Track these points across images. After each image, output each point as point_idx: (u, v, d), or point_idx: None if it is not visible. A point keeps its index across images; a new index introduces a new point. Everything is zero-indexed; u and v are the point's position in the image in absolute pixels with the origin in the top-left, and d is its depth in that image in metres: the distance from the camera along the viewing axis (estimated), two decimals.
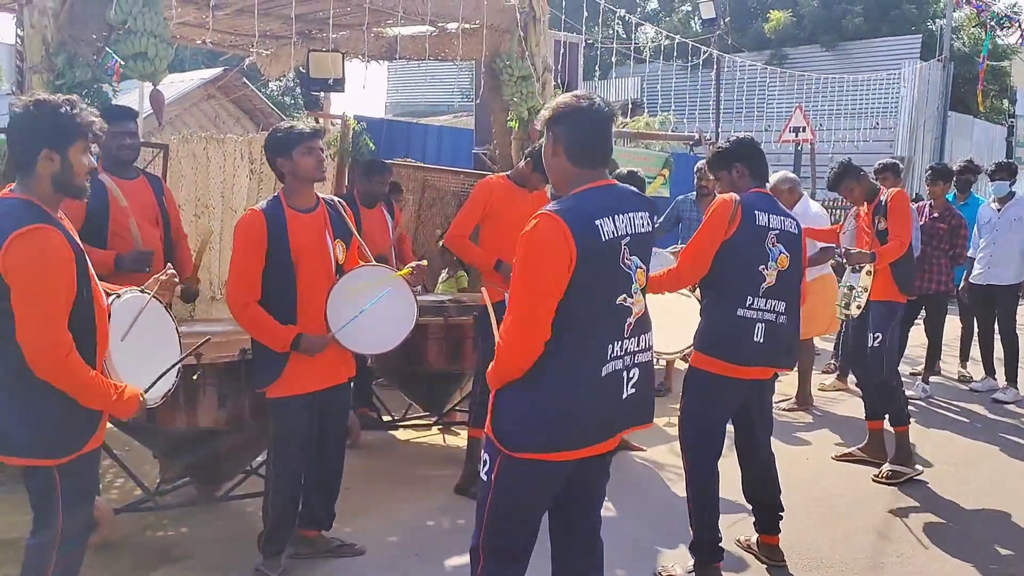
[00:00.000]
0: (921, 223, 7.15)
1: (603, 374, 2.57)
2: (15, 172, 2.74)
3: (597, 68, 11.52)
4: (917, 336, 7.80)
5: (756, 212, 3.68)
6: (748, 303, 3.65)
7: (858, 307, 5.33)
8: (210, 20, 7.14)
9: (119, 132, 4.24)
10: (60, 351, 2.59)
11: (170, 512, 4.28)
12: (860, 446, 5.62)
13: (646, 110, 17.80)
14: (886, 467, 5.28)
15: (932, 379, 7.74)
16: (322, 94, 8.64)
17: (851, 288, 5.40)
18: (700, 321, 3.80)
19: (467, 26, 7.25)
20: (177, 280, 3.24)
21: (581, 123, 2.61)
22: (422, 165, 8.98)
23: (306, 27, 7.75)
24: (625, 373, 2.64)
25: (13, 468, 3.49)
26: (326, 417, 3.81)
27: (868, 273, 5.28)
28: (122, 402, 2.76)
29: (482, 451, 2.71)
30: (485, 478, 2.65)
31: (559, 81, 8.09)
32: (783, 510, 4.03)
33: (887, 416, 5.41)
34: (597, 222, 2.52)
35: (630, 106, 17.33)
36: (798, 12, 23.90)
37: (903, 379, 7.69)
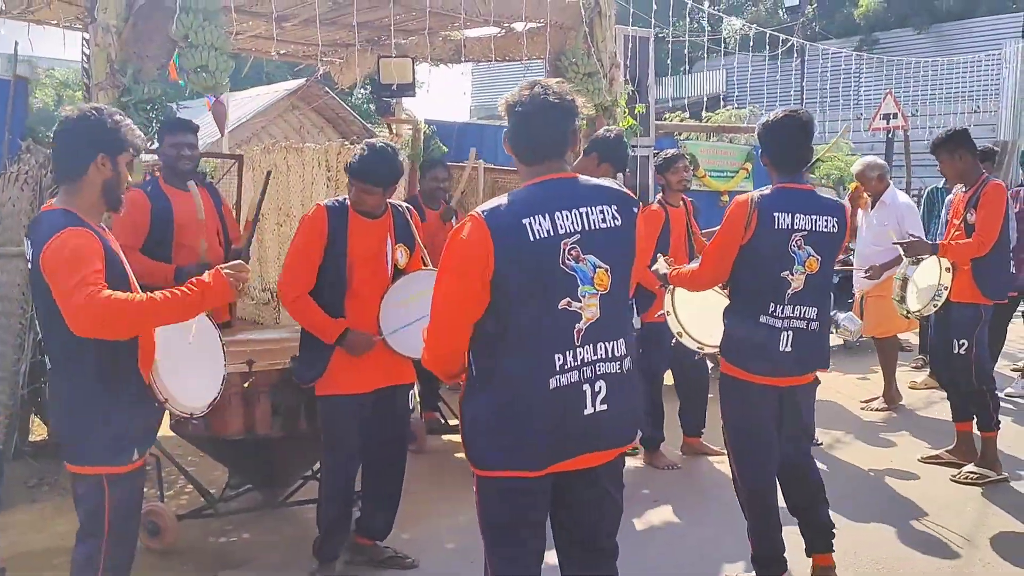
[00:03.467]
0: (1016, 210, 6.72)
1: (551, 387, 2.35)
2: (63, 181, 2.80)
3: (669, 61, 11.22)
4: (1017, 330, 7.36)
5: (776, 214, 3.34)
6: (771, 310, 3.38)
7: (935, 306, 4.94)
8: (277, 32, 7.30)
9: (178, 143, 4.36)
10: (95, 295, 2.48)
11: (235, 518, 4.33)
12: (948, 448, 5.30)
13: (724, 103, 17.40)
14: (968, 468, 4.98)
15: None
16: (393, 100, 8.68)
17: (905, 279, 5.03)
18: (724, 324, 3.57)
19: (533, 25, 7.18)
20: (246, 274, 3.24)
21: (521, 116, 2.42)
22: (492, 167, 8.93)
23: (373, 34, 7.81)
24: (587, 387, 2.39)
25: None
26: (381, 422, 3.79)
27: (947, 270, 4.90)
28: (211, 289, 2.67)
29: None
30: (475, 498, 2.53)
31: (627, 76, 7.94)
32: (834, 526, 3.70)
33: (975, 418, 5.09)
34: (525, 221, 2.32)
35: (705, 100, 16.93)
36: None
37: (1007, 374, 7.33)
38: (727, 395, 3.61)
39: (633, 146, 7.70)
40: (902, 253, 5.06)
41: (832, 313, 4.39)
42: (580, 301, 2.37)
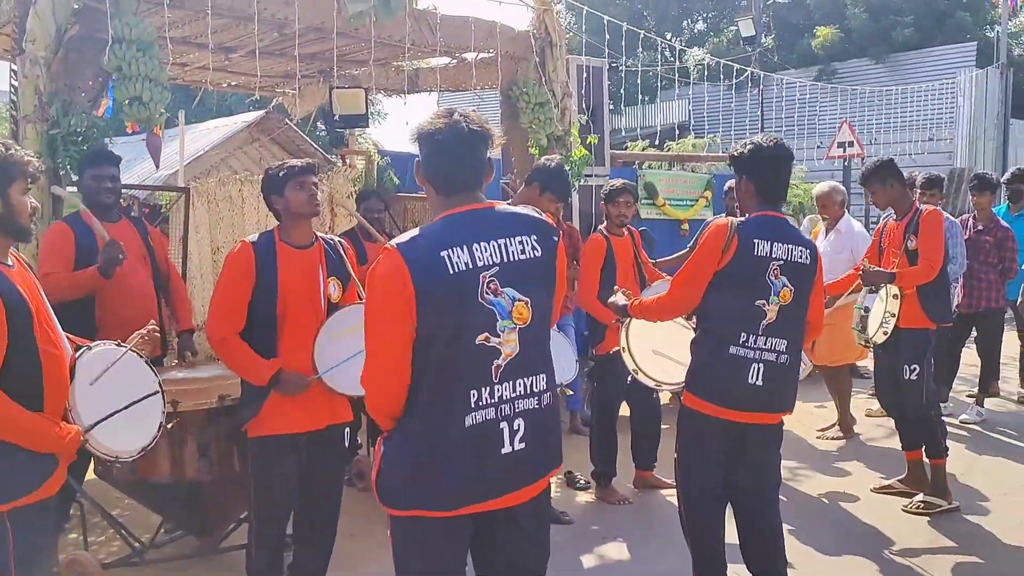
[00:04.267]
0: (966, 237, 6.77)
1: (467, 424, 2.27)
2: None
3: (622, 92, 11.27)
4: (971, 356, 7.37)
5: (756, 241, 3.25)
6: (743, 340, 3.25)
7: (884, 333, 4.92)
8: (223, 63, 7.21)
9: (99, 175, 4.33)
10: None
11: (165, 565, 4.16)
12: (900, 478, 5.25)
13: (688, 132, 17.53)
14: (918, 497, 4.94)
15: (990, 401, 7.27)
16: (347, 131, 8.60)
17: (867, 310, 5.01)
18: (691, 356, 3.45)
19: (484, 55, 7.15)
20: (157, 332, 3.27)
21: (439, 144, 2.33)
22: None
23: (325, 65, 7.73)
24: (504, 424, 2.31)
25: None
26: (315, 462, 3.65)
27: (895, 297, 4.86)
28: (61, 439, 2.63)
29: None
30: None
31: (582, 106, 7.92)
32: (785, 571, 3.45)
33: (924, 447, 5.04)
34: (443, 253, 2.25)
35: (675, 130, 17.04)
36: (845, 27, 23.45)
37: (963, 400, 7.33)
38: (685, 430, 3.46)
39: (587, 175, 7.69)
40: (860, 283, 5.04)
41: None
42: (499, 336, 2.30)
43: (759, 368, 3.27)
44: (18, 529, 2.57)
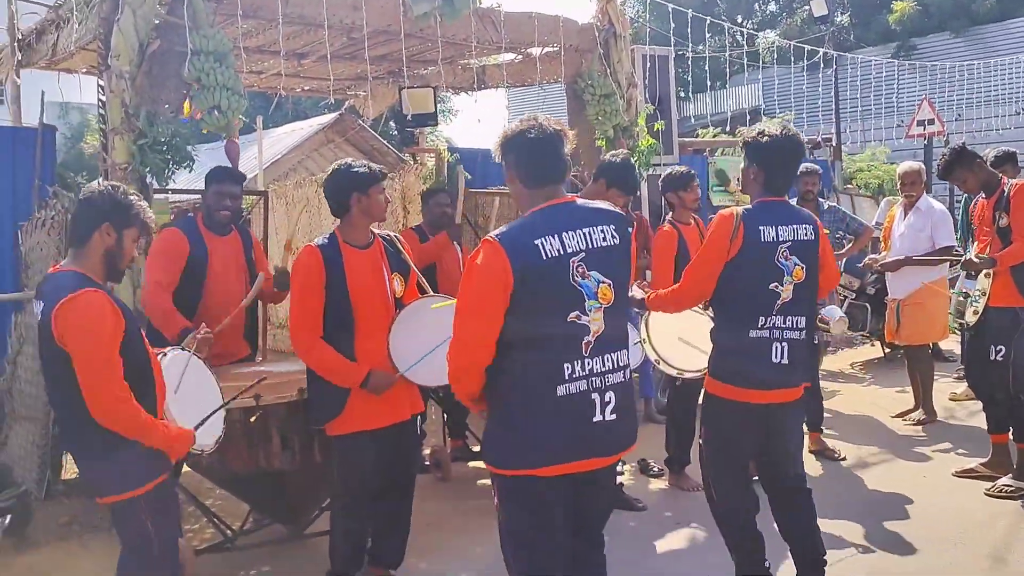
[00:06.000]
0: None
1: (559, 394, 2.57)
2: (71, 243, 3.03)
3: (690, 78, 11.16)
4: None
5: (761, 228, 3.32)
6: (761, 323, 3.31)
7: (975, 312, 4.84)
8: (297, 69, 7.44)
9: (222, 192, 4.45)
10: (117, 401, 2.78)
11: (255, 551, 4.36)
12: (984, 461, 5.14)
13: (761, 116, 17.24)
14: (1003, 480, 4.82)
15: None
16: (416, 130, 8.75)
17: (966, 295, 4.95)
18: (714, 341, 3.49)
19: (549, 49, 7.21)
20: (211, 335, 3.61)
21: (527, 146, 2.67)
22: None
23: (394, 66, 7.90)
24: (596, 396, 2.62)
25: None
26: (395, 454, 3.79)
27: (987, 275, 4.81)
28: (177, 439, 2.98)
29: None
30: (498, 515, 2.73)
31: (646, 96, 7.92)
32: (825, 553, 3.52)
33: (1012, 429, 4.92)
34: (537, 241, 2.55)
35: (746, 115, 16.79)
36: (923, 1, 22.69)
37: None
38: (710, 415, 3.52)
39: (655, 164, 7.68)
40: (960, 270, 5.00)
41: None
42: (587, 315, 2.61)
43: (783, 347, 3.34)
44: (151, 507, 2.93)
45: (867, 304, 8.36)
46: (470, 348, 2.62)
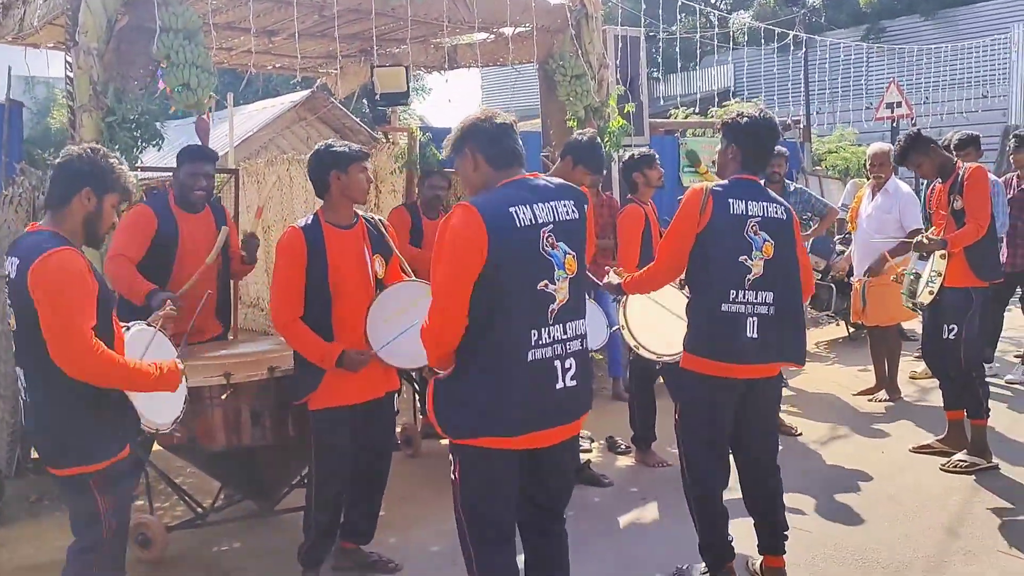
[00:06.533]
0: (1009, 196, 6.71)
1: (528, 359, 2.65)
2: (49, 205, 2.95)
3: (659, 59, 11.22)
4: (1019, 317, 7.32)
5: (730, 201, 3.41)
6: (732, 296, 3.39)
7: (930, 293, 4.96)
8: (267, 46, 7.39)
9: (195, 172, 4.44)
10: (90, 349, 2.70)
11: (225, 527, 4.40)
12: (939, 437, 5.30)
13: (732, 97, 17.33)
14: (957, 456, 4.97)
15: None
16: (388, 108, 8.74)
17: (917, 275, 5.05)
18: (688, 317, 3.59)
19: (521, 29, 7.22)
20: (175, 312, 3.57)
21: (494, 131, 2.81)
22: None
23: (365, 44, 7.87)
24: (559, 363, 2.72)
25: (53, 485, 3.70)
26: (368, 430, 3.85)
27: (942, 256, 4.92)
28: (165, 377, 2.95)
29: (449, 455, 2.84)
30: (452, 477, 2.81)
31: (619, 76, 7.96)
32: (787, 527, 3.67)
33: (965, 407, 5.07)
34: (511, 209, 2.65)
35: (715, 95, 16.87)
36: None
37: (1010, 360, 7.29)
38: (686, 391, 3.63)
39: (626, 145, 7.74)
40: (912, 251, 5.11)
41: None
42: (555, 284, 2.71)
43: (754, 322, 3.41)
44: (103, 485, 2.88)
45: (831, 285, 8.51)
46: (447, 309, 2.68)
